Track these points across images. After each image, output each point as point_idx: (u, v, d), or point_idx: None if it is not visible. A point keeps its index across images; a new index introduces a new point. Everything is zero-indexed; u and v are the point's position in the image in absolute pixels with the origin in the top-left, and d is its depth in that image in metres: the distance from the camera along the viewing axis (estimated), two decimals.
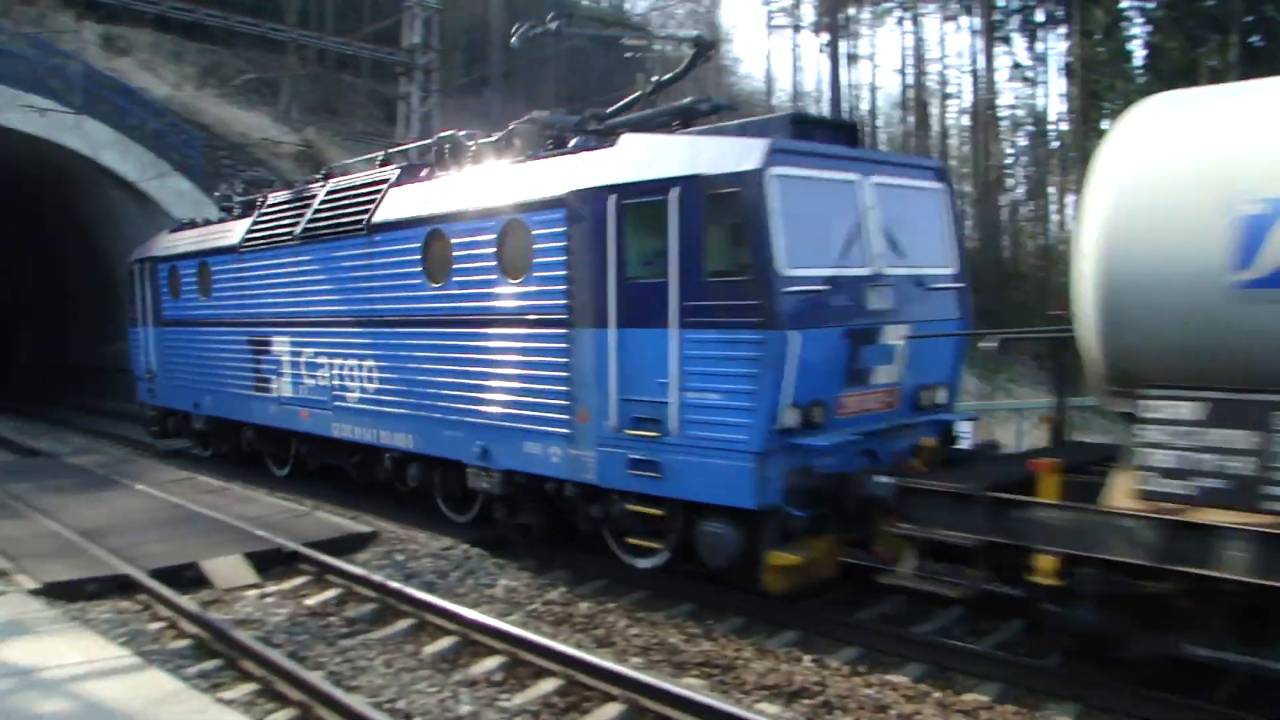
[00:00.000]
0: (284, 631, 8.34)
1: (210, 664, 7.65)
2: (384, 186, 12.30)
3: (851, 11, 54.13)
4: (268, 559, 10.22)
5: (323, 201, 13.40)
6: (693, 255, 8.24)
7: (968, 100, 51.81)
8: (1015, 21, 48.04)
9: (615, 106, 10.81)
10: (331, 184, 13.62)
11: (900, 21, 54.59)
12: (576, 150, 10.05)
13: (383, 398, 12.00)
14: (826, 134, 9.10)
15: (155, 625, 8.53)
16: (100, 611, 8.77)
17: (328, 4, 45.59)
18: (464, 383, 10.67)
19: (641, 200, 8.61)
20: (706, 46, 10.43)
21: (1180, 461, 6.13)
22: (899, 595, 9.07)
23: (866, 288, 8.54)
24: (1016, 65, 48.93)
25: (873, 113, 59.58)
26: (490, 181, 10.59)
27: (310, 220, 13.45)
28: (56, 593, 9.07)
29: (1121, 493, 6.45)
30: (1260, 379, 5.87)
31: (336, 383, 12.87)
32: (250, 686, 7.24)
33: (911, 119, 56.45)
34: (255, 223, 14.95)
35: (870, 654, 7.86)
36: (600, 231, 8.94)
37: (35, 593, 9.05)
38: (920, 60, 54.79)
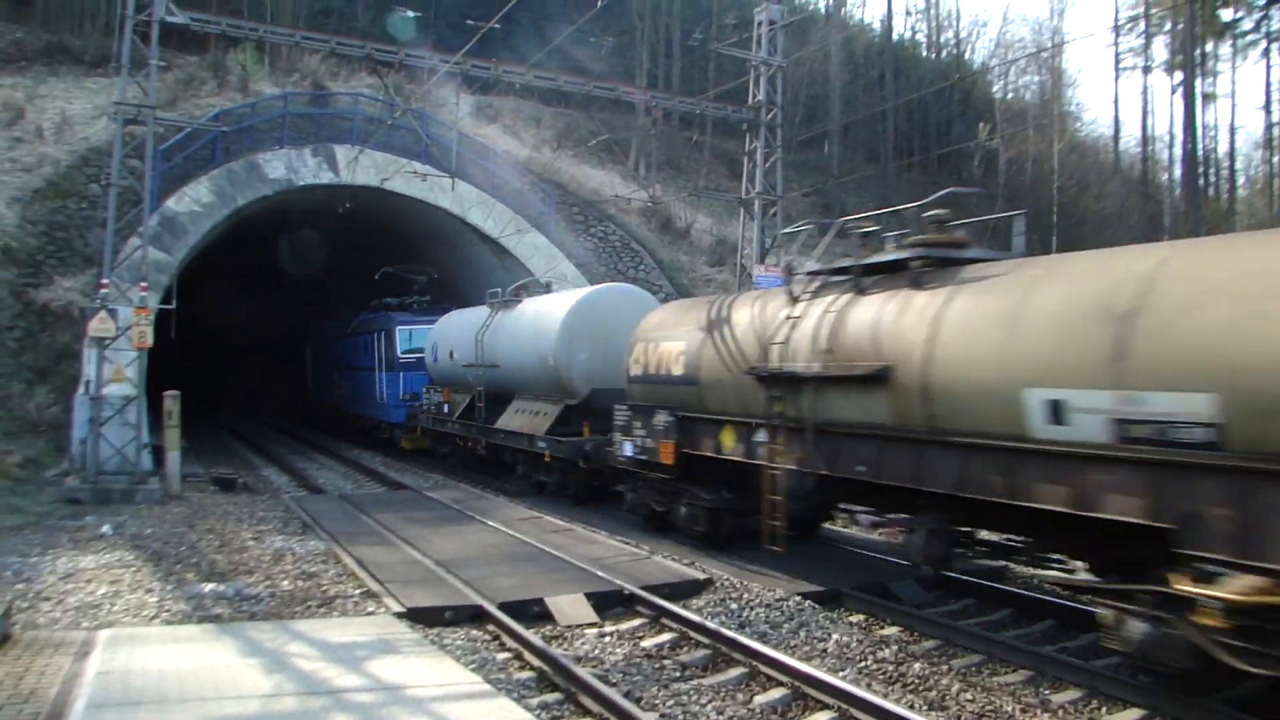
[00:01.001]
0: (620, 671, 8.50)
1: (551, 697, 7.89)
2: (353, 318, 32.76)
3: (1209, 47, 50.09)
4: (607, 599, 10.51)
5: (354, 322, 32.81)
6: (388, 350, 28.35)
7: None
8: None
9: (415, 298, 29.93)
10: (355, 315, 33.18)
11: (1266, 53, 49.86)
12: (387, 311, 29.86)
13: (354, 394, 32.30)
14: (438, 309, 27.45)
15: (503, 655, 8.94)
16: (454, 638, 9.31)
17: (674, 66, 47.55)
18: (364, 388, 30.77)
19: (382, 334, 28.93)
20: (433, 278, 29.92)
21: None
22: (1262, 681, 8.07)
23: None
24: None
25: (1231, 154, 54.79)
26: (369, 321, 30.91)
27: (348, 329, 33.26)
28: (418, 617, 9.75)
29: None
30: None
31: (347, 389, 33.29)
32: None
33: (1277, 159, 51.32)
34: (334, 325, 35.86)
35: None
36: (378, 341, 29.33)
37: (400, 615, 9.78)
38: None
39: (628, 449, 14.55)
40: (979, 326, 8.82)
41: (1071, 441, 7.88)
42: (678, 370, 13.40)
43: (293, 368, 43.19)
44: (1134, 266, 7.84)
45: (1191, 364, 6.97)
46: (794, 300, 11.55)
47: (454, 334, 23.60)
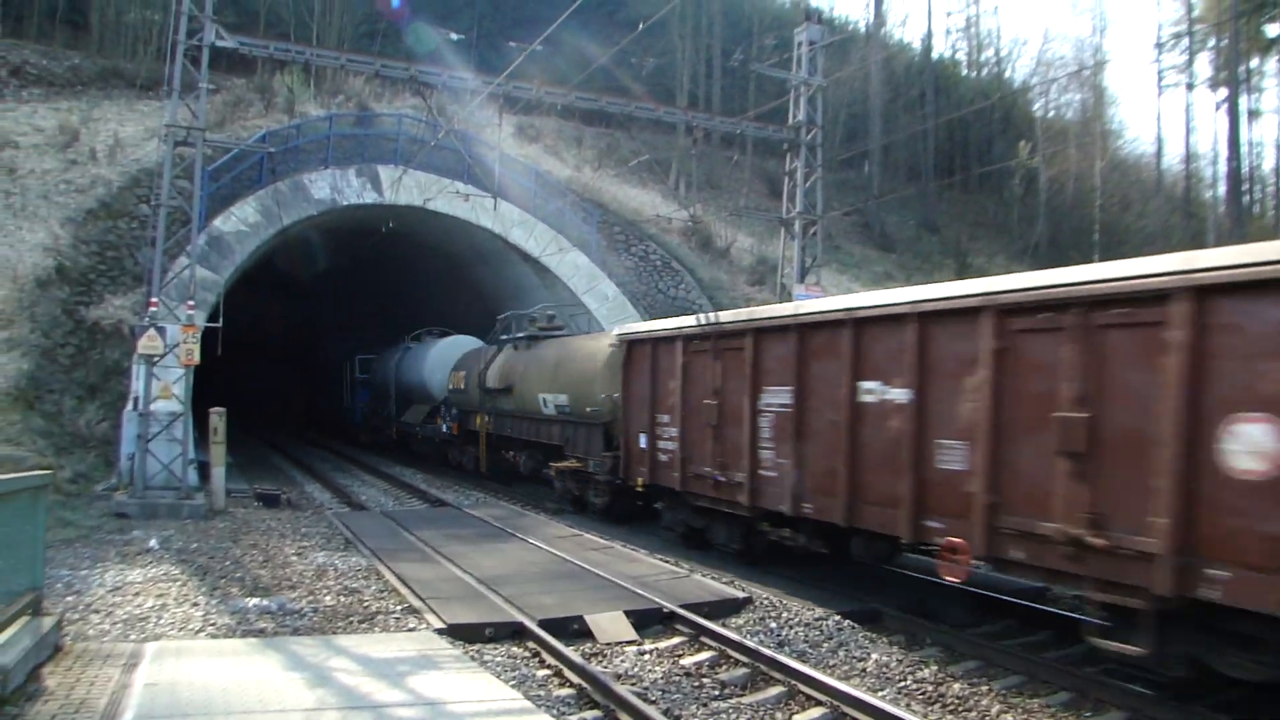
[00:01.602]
0: (659, 689, 8.51)
1: (590, 714, 7.92)
2: (340, 346, 42.86)
3: (1254, 63, 49.47)
4: (647, 617, 10.54)
5: (339, 350, 42.60)
6: (351, 373, 39.06)
7: None
8: None
9: (371, 338, 40.73)
10: (343, 343, 42.93)
11: None
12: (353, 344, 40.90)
13: (337, 401, 42.14)
14: (387, 348, 36.00)
15: (542, 672, 8.98)
16: (495, 654, 9.38)
17: (714, 87, 47.67)
18: (341, 398, 41.27)
19: (349, 362, 39.52)
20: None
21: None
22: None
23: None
24: None
25: (1277, 171, 54.08)
26: (345, 351, 40.88)
27: (336, 354, 43.06)
28: (459, 633, 9.83)
29: None
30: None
31: (333, 398, 43.04)
32: None
33: None
34: (331, 347, 45.60)
35: None
36: (347, 366, 39.81)
37: (441, 632, 9.86)
38: None
39: (443, 428, 27.54)
40: (528, 367, 20.87)
41: (547, 414, 19.60)
42: (463, 386, 25.15)
43: (311, 378, 53.26)
44: (566, 342, 20.04)
45: (566, 383, 18.57)
46: (497, 350, 23.24)
47: (384, 363, 34.91)
